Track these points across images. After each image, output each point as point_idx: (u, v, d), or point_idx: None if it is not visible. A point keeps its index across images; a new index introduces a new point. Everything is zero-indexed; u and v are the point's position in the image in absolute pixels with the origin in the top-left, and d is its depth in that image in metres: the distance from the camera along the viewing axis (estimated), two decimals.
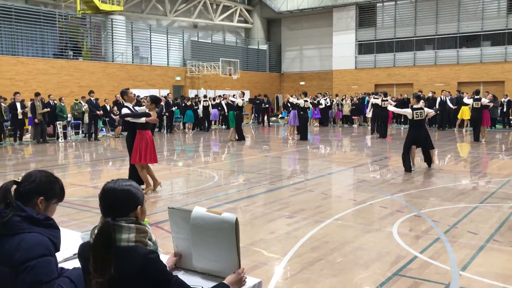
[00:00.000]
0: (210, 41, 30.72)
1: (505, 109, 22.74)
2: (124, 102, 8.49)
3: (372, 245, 5.23)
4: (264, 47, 34.15)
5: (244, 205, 7.34)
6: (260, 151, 15.03)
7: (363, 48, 30.37)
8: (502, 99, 22.78)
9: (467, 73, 26.58)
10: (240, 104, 17.52)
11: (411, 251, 4.99)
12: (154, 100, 8.31)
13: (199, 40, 29.85)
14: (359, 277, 4.34)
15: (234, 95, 18.76)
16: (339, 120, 26.57)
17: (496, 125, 22.78)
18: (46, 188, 2.17)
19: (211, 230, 2.14)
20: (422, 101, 10.55)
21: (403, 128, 23.46)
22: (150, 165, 8.29)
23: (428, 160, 10.58)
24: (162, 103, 21.46)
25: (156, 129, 21.30)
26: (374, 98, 19.41)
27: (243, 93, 18.29)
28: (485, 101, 16.20)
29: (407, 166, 10.20)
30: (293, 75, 34.56)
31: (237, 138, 17.48)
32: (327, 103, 26.09)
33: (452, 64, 27.10)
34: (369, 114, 20.87)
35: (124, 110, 8.16)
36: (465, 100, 18.51)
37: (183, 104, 22.88)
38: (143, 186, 8.27)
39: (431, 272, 4.41)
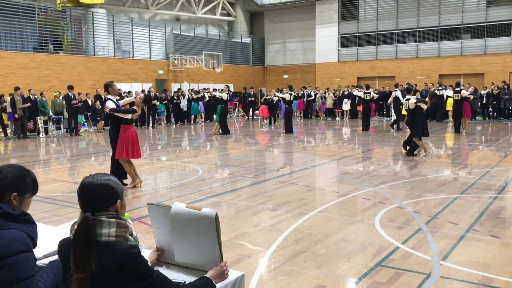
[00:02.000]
0: (193, 34, 30.52)
1: (484, 101, 23.10)
2: (107, 95, 8.42)
3: (355, 237, 5.28)
4: (247, 40, 34.06)
5: (229, 198, 7.34)
6: (245, 144, 15.03)
7: (346, 41, 30.50)
8: (482, 91, 23.13)
9: (448, 66, 26.89)
10: (225, 98, 17.50)
11: (393, 242, 5.05)
12: (147, 99, 8.31)
13: (182, 33, 29.62)
14: (342, 268, 4.38)
15: (221, 90, 18.70)
16: (322, 113, 26.70)
17: (476, 117, 23.14)
18: (19, 183, 2.13)
19: (191, 225, 2.13)
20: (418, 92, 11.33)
21: (385, 120, 23.68)
22: (132, 160, 8.25)
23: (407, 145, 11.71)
24: (156, 102, 21.42)
25: (140, 125, 21.15)
26: (357, 91, 19.56)
27: (228, 87, 18.26)
28: (465, 93, 16.50)
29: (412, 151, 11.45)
30: (276, 68, 34.57)
31: (221, 132, 17.47)
32: (311, 96, 26.23)
33: (433, 57, 27.38)
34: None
35: (109, 103, 8.09)
36: (447, 92, 18.84)
37: (191, 97, 23.61)
38: (126, 181, 8.23)
39: (413, 262, 4.47)
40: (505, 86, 22.41)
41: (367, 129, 18.23)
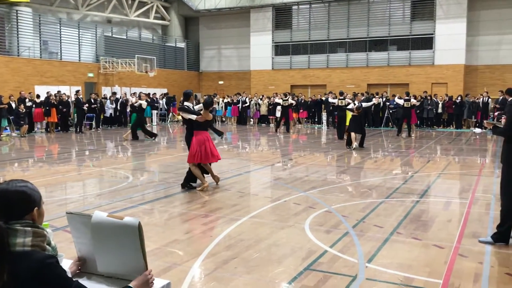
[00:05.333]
0: (125, 37, 29.75)
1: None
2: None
3: (285, 241, 5.36)
4: (182, 45, 33.73)
5: (161, 206, 7.20)
6: (179, 150, 14.83)
7: (280, 49, 31.05)
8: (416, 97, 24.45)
9: (375, 75, 28.12)
10: (144, 106, 17.41)
11: (322, 246, 5.18)
12: (207, 104, 8.35)
13: (114, 35, 28.79)
14: (272, 272, 4.43)
15: (139, 97, 18.43)
16: (256, 120, 26.96)
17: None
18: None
19: (113, 235, 2.06)
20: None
21: (317, 127, 24.30)
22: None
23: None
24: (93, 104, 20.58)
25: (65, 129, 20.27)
26: (332, 98, 20.67)
27: (146, 94, 18.23)
28: (413, 101, 19.33)
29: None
30: (211, 74, 34.50)
31: (132, 138, 17.16)
32: (245, 102, 26.44)
33: (362, 67, 28.53)
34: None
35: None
36: (396, 99, 20.45)
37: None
38: (195, 184, 8.59)
39: (340, 265, 4.61)
40: (428, 97, 23.82)
41: (341, 137, 17.63)
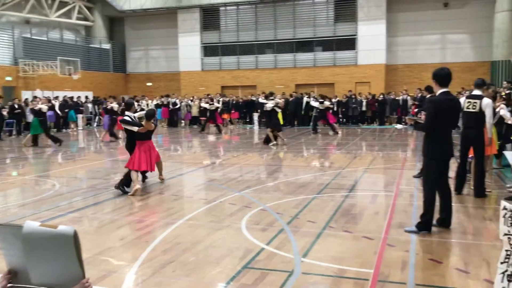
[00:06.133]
0: (45, 39, 28.34)
1: (335, 109, 25.28)
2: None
3: (222, 242, 5.38)
4: (107, 46, 32.66)
5: (91, 213, 6.96)
6: (107, 155, 14.37)
7: (209, 50, 30.98)
8: (333, 100, 25.29)
9: (303, 76, 28.86)
10: (44, 110, 16.84)
11: (258, 244, 5.26)
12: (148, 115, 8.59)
13: (33, 37, 27.31)
14: (210, 274, 4.44)
15: (41, 101, 17.91)
16: (187, 121, 26.71)
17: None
18: None
19: (47, 245, 1.98)
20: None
21: (248, 127, 24.53)
22: None
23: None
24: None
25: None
26: (313, 101, 20.86)
27: (48, 100, 17.94)
28: (327, 103, 19.86)
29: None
30: (139, 75, 33.72)
31: (32, 144, 16.55)
32: (176, 104, 26.12)
33: (290, 68, 29.17)
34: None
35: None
36: (311, 102, 21.04)
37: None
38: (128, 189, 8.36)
39: (277, 262, 4.71)
40: (352, 96, 24.83)
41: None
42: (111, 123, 17.97)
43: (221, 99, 25.58)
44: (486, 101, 7.17)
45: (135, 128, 8.37)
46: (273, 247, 5.16)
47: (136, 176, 8.23)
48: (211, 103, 21.33)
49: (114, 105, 18.19)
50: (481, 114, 7.14)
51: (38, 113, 16.45)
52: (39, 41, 27.48)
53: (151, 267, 4.62)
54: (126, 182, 8.35)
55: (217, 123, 21.23)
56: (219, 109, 22.46)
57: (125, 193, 8.18)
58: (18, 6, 26.41)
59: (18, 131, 21.22)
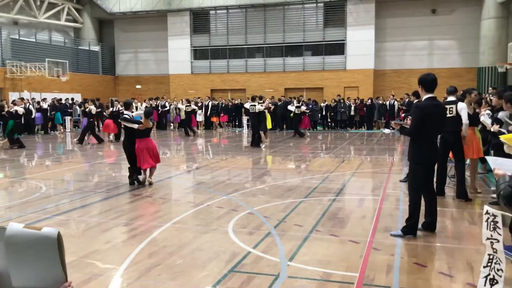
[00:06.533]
0: (34, 40, 28.13)
1: (324, 113, 25.43)
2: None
3: (209, 245, 5.39)
4: (96, 48, 32.51)
5: (78, 216, 6.91)
6: (95, 157, 14.29)
7: (198, 53, 30.98)
8: (321, 104, 25.45)
9: (292, 80, 28.98)
10: (20, 113, 16.94)
11: (245, 247, 5.27)
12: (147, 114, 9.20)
13: (21, 38, 27.10)
14: (197, 277, 4.44)
15: (14, 102, 17.96)
16: (176, 124, 26.65)
17: (318, 127, 25.33)
18: None
19: (30, 247, 1.98)
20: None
21: (237, 131, 24.53)
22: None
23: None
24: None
25: None
26: (290, 106, 21.18)
27: (22, 100, 17.99)
28: (303, 108, 20.32)
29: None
30: (128, 78, 33.59)
31: (11, 145, 16.46)
32: (165, 107, 26.07)
33: (279, 72, 29.26)
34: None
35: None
36: (289, 107, 21.08)
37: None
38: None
39: (263, 265, 4.73)
40: (341, 100, 24.99)
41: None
42: (87, 125, 18.11)
43: (210, 102, 25.62)
44: (461, 105, 7.55)
45: (135, 126, 8.95)
46: (260, 250, 5.17)
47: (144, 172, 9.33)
48: (188, 104, 21.80)
49: (92, 108, 18.23)
50: (457, 117, 7.48)
51: (14, 115, 16.45)
52: (27, 42, 27.28)
53: (137, 270, 4.61)
54: (136, 175, 9.29)
55: (190, 126, 21.73)
56: (197, 111, 23.18)
57: (140, 184, 9.22)
58: (6, 7, 26.21)
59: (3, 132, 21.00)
